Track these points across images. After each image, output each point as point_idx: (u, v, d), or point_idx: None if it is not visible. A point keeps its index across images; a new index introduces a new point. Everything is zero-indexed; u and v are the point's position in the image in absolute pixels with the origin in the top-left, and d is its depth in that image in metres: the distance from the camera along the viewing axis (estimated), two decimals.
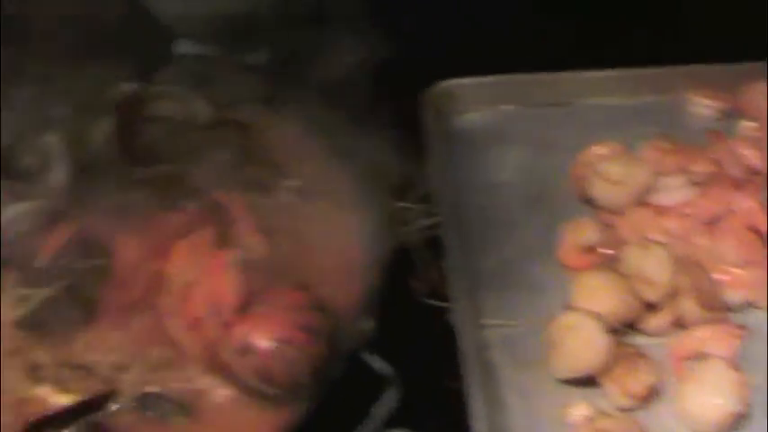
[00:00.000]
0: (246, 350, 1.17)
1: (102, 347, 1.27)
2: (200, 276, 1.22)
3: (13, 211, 1.32)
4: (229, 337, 1.18)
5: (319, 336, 1.19)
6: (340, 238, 1.36)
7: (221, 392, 1.22)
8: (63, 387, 1.25)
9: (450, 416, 1.29)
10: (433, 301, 1.40)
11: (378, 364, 1.19)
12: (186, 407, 1.22)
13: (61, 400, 1.23)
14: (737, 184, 1.49)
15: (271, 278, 1.24)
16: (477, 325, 1.36)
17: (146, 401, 1.24)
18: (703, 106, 1.72)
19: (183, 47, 1.75)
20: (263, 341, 1.16)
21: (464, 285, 1.38)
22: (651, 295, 1.36)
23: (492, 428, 1.25)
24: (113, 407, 1.24)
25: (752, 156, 1.56)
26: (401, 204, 1.44)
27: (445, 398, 1.34)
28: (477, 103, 1.71)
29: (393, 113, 1.54)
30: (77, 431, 1.22)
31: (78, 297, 1.27)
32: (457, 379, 1.32)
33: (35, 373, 1.25)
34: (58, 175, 1.40)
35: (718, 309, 1.38)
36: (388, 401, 1.17)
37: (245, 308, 1.20)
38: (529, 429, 1.30)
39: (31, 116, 1.47)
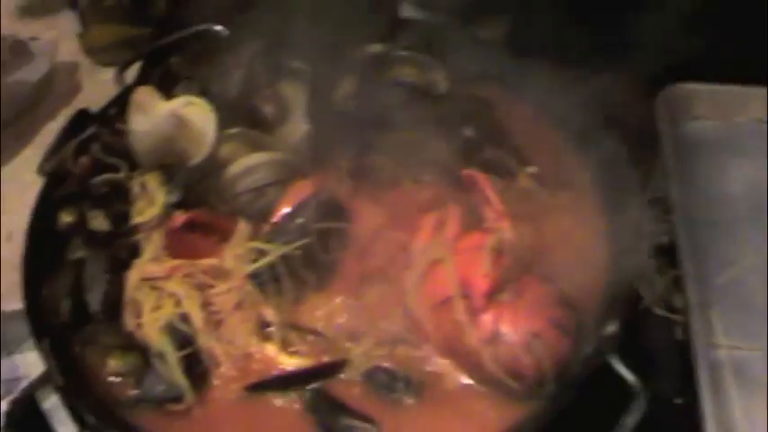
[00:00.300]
0: (495, 339, 1.11)
1: (335, 314, 1.22)
2: (448, 255, 1.14)
3: (251, 160, 1.28)
4: (477, 323, 1.09)
5: (568, 334, 1.11)
6: (583, 234, 1.28)
7: (456, 378, 1.17)
8: (290, 349, 1.20)
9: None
10: (663, 311, 1.30)
11: (625, 372, 1.10)
12: (417, 387, 1.18)
13: (287, 362, 1.19)
14: None
15: (517, 267, 1.15)
16: (709, 343, 1.26)
17: (375, 376, 1.19)
18: None
19: (408, 11, 1.68)
20: (513, 332, 1.11)
21: (696, 300, 1.28)
22: None
23: None
24: (341, 377, 1.16)
25: None
26: (637, 206, 1.33)
27: (675, 412, 1.26)
28: (711, 111, 1.61)
29: (628, 109, 1.45)
30: (302, 396, 1.18)
31: (314, 259, 1.21)
32: (687, 394, 1.23)
33: (263, 331, 1.19)
34: (298, 127, 1.34)
35: None
36: (635, 413, 1.08)
37: (493, 295, 1.11)
38: None
39: (268, 67, 1.40)
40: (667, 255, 1.38)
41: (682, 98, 1.59)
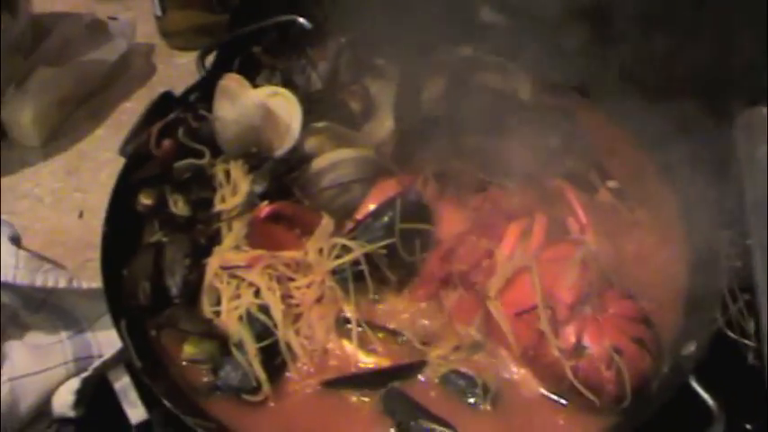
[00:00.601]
0: (577, 351, 1.10)
1: (414, 316, 1.22)
2: (534, 265, 1.13)
3: (336, 155, 1.28)
4: (560, 334, 1.09)
5: (648, 350, 1.11)
6: (662, 253, 1.27)
7: (533, 388, 1.17)
8: (368, 347, 1.21)
9: None
10: (734, 335, 1.29)
11: (704, 393, 1.09)
12: (494, 394, 1.17)
13: (365, 360, 1.20)
14: None
15: (601, 281, 1.15)
16: None
17: (453, 380, 1.19)
18: None
19: (488, 15, 1.68)
20: (596, 345, 1.11)
21: None
22: None
23: None
24: (419, 378, 1.18)
25: None
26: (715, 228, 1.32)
27: None
28: None
29: (710, 130, 1.44)
30: (379, 395, 1.20)
31: (397, 259, 1.21)
32: (759, 420, 1.23)
33: (342, 328, 1.20)
34: (384, 125, 1.34)
35: None
36: None
37: (576, 307, 1.11)
38: None
39: (355, 63, 1.40)
40: (742, 278, 1.36)
41: (761, 122, 1.57)
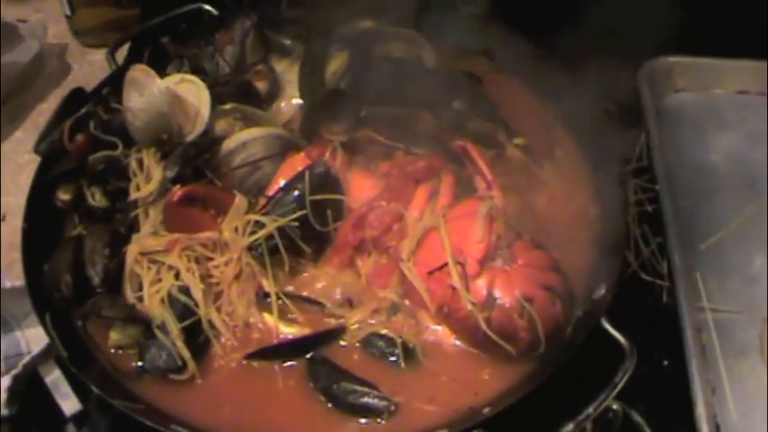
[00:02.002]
0: (489, 303, 1.13)
1: (331, 284, 1.24)
2: (442, 223, 1.17)
3: (245, 135, 1.30)
4: (471, 288, 1.13)
5: (559, 297, 1.15)
6: (571, 203, 1.32)
7: (451, 343, 1.21)
8: (289, 318, 1.22)
9: (669, 394, 1.27)
10: (648, 277, 1.34)
11: (615, 333, 1.14)
12: (413, 354, 1.21)
13: (286, 330, 1.22)
14: None
15: (509, 234, 1.19)
16: (694, 307, 1.31)
17: (372, 342, 1.22)
18: None
19: None
20: (507, 296, 1.15)
21: (681, 265, 1.33)
22: None
23: (708, 411, 1.23)
24: (340, 344, 1.20)
25: None
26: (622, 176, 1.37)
27: (663, 373, 1.32)
28: (692, 83, 1.66)
29: (611, 81, 1.49)
30: (302, 363, 1.23)
31: (310, 230, 1.24)
32: (674, 356, 1.29)
33: (262, 301, 1.22)
34: (290, 102, 1.37)
35: None
36: (626, 371, 1.12)
37: (486, 261, 1.14)
38: (744, 415, 1.27)
39: (259, 45, 1.43)
40: (652, 223, 1.41)
41: (663, 71, 1.63)
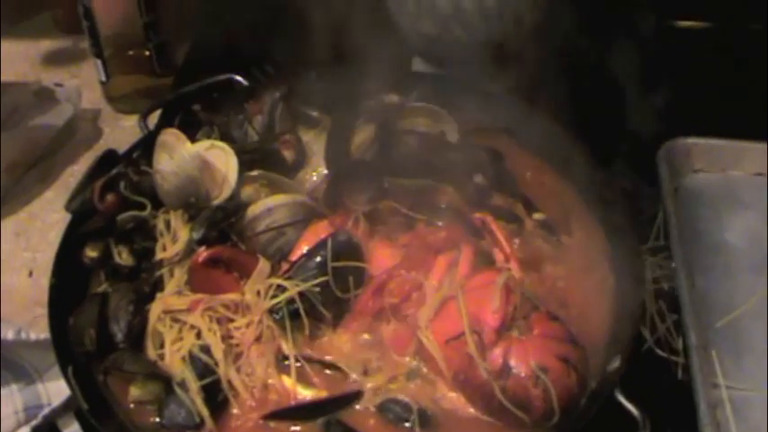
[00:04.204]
0: (505, 372, 1.15)
1: (351, 349, 1.26)
2: (460, 293, 1.19)
3: (271, 201, 1.34)
4: (487, 357, 1.15)
5: (574, 368, 1.16)
6: (587, 276, 1.34)
7: (468, 411, 1.21)
8: (307, 381, 1.25)
9: None
10: (663, 353, 1.36)
11: (629, 405, 1.15)
12: (430, 420, 1.22)
13: (303, 393, 1.24)
14: None
15: (526, 305, 1.21)
16: (709, 384, 1.32)
17: (388, 407, 1.23)
18: None
19: (420, 65, 1.76)
20: (522, 365, 1.16)
21: (696, 342, 1.34)
22: None
23: None
24: (356, 408, 1.23)
25: None
26: (642, 252, 1.39)
27: None
28: (710, 164, 1.70)
29: (631, 161, 1.52)
30: (318, 425, 1.23)
31: (331, 296, 1.26)
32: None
33: (281, 363, 1.25)
34: (315, 170, 1.41)
35: None
36: None
37: (503, 331, 1.17)
38: None
39: (288, 115, 1.47)
40: (668, 300, 1.43)
41: (682, 152, 1.67)
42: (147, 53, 1.82)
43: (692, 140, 1.67)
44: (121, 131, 1.82)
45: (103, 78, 1.81)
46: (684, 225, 1.54)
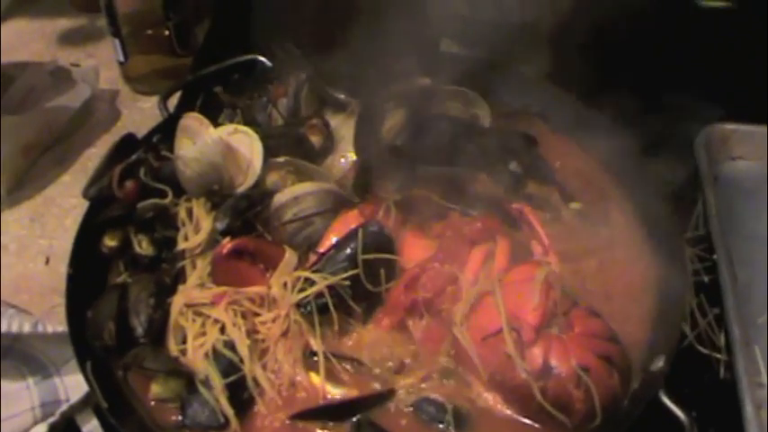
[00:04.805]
0: (545, 372, 1.09)
1: (382, 345, 1.22)
2: (497, 288, 1.13)
3: (298, 189, 1.28)
4: (526, 356, 1.09)
5: (616, 367, 1.11)
6: (625, 269, 1.28)
7: (504, 412, 1.16)
8: (336, 379, 1.20)
9: None
10: (705, 350, 1.30)
11: (674, 407, 1.10)
12: (465, 421, 1.17)
13: (333, 391, 1.19)
14: None
15: (566, 301, 1.15)
16: (754, 382, 1.25)
17: (423, 407, 1.18)
18: None
19: (448, 45, 1.70)
20: (563, 365, 1.10)
21: (739, 338, 1.28)
22: None
23: None
24: (389, 407, 1.18)
25: None
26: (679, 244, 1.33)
27: None
28: (749, 151, 1.62)
29: (668, 148, 1.46)
30: (348, 426, 1.18)
31: (361, 290, 1.21)
32: None
33: (309, 360, 1.20)
34: (344, 156, 1.35)
35: None
36: None
37: (542, 328, 1.11)
38: None
39: (314, 99, 1.41)
40: (708, 293, 1.37)
41: (720, 138, 1.60)
42: (167, 32, 1.75)
43: (730, 126, 1.61)
44: (140, 113, 1.76)
45: (121, 58, 1.75)
46: (724, 215, 1.47)
